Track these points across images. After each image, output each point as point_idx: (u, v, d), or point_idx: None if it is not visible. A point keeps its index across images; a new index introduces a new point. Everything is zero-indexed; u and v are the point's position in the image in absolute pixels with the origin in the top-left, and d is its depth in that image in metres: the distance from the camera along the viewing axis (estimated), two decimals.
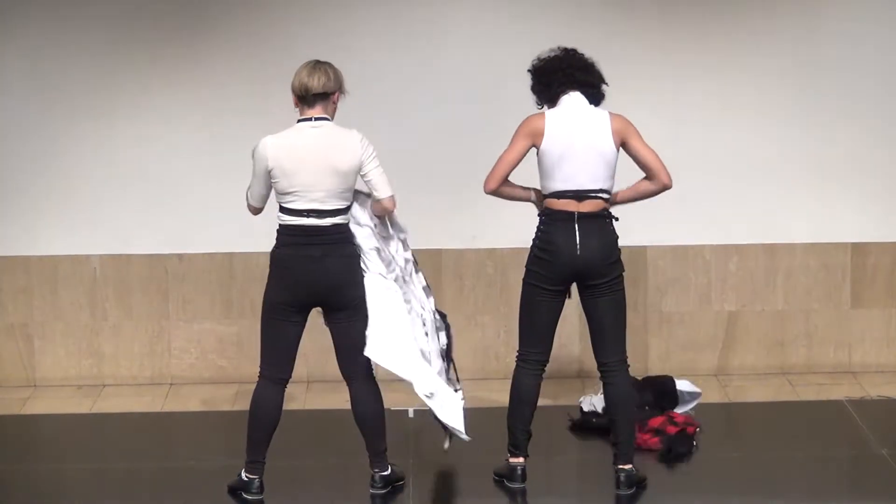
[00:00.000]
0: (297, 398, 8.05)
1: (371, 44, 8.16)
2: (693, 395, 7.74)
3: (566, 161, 6.60)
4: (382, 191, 6.59)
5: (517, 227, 8.29)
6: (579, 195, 6.60)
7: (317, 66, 6.56)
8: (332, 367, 8.36)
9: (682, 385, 7.74)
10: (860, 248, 8.40)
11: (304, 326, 6.63)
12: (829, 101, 8.29)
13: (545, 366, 6.82)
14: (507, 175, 6.70)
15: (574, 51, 6.77)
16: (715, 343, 8.45)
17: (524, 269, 6.74)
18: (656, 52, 8.23)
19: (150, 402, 8.13)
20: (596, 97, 6.74)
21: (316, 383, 8.28)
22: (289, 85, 8.23)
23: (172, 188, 8.25)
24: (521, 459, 6.83)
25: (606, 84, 6.75)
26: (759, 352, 8.48)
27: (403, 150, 8.24)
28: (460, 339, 8.41)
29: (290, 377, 6.69)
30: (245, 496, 6.68)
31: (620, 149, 6.67)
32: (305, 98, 6.53)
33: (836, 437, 7.54)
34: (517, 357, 6.85)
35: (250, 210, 6.67)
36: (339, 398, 8.08)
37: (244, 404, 7.97)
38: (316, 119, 6.53)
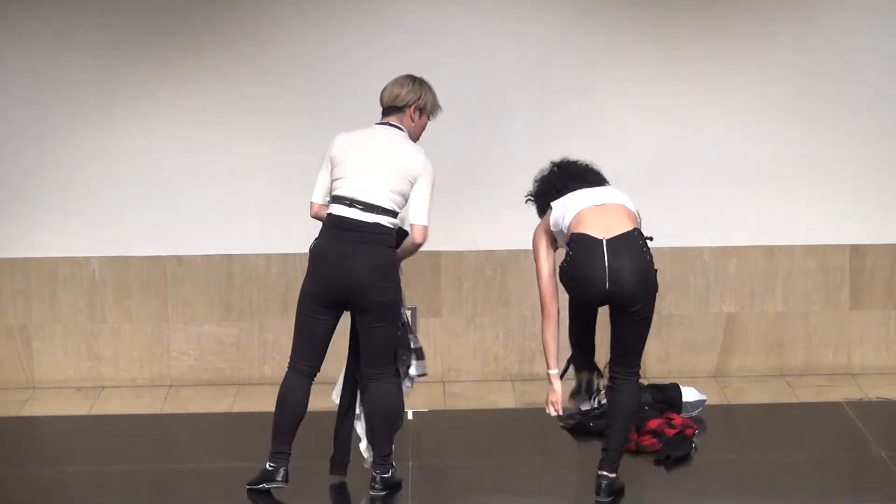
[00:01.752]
0: None
1: (371, 46, 8.17)
2: (698, 403, 7.72)
3: (579, 194, 6.58)
4: (419, 216, 6.56)
5: (516, 230, 8.30)
6: (601, 207, 6.51)
7: (405, 79, 6.69)
8: (333, 369, 8.39)
9: (688, 395, 7.70)
10: (859, 250, 8.40)
11: (333, 325, 6.61)
12: (828, 104, 8.29)
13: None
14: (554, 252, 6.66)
15: (564, 163, 6.79)
16: (714, 345, 8.45)
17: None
18: (655, 54, 8.23)
19: (150, 404, 8.13)
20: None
21: (316, 384, 8.27)
22: (288, 87, 8.29)
23: (171, 190, 8.25)
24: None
25: (607, 182, 6.72)
26: (758, 354, 8.48)
27: None
28: (459, 340, 8.43)
29: (318, 371, 6.69)
30: (267, 486, 6.68)
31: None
32: (383, 107, 6.66)
33: (834, 438, 7.54)
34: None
35: (311, 211, 6.64)
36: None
37: (243, 406, 8.00)
38: (389, 125, 6.61)
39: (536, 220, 8.35)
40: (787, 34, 8.24)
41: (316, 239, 6.57)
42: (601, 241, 6.41)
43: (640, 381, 6.76)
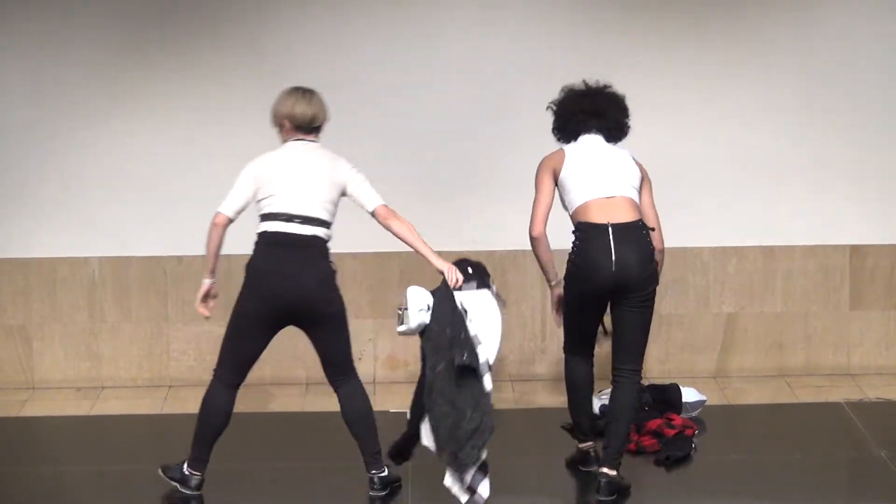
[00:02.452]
0: (296, 401, 8.05)
1: (370, 46, 8.17)
2: (698, 404, 7.73)
3: (590, 173, 6.65)
4: (374, 199, 6.64)
5: (515, 230, 8.31)
6: (609, 200, 6.61)
7: (310, 96, 6.65)
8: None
9: (688, 395, 7.71)
10: (859, 251, 8.41)
11: (269, 342, 6.65)
12: (828, 104, 8.30)
13: (592, 355, 6.90)
14: (548, 214, 6.73)
15: (596, 90, 6.83)
16: (714, 345, 8.45)
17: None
18: (655, 54, 8.24)
19: (149, 404, 8.13)
20: (618, 136, 6.81)
21: (315, 385, 8.28)
22: (288, 87, 8.24)
23: (171, 190, 8.25)
24: (591, 444, 6.92)
25: (629, 124, 6.81)
26: (757, 354, 8.48)
27: (403, 153, 8.25)
28: None
29: (244, 381, 6.72)
30: (183, 490, 6.72)
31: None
32: (303, 128, 6.63)
33: (834, 439, 7.54)
34: (565, 350, 6.92)
35: (217, 220, 6.58)
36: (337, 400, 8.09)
37: (243, 406, 7.97)
38: (306, 141, 6.65)
39: None
40: (788, 34, 8.24)
41: (252, 258, 6.57)
42: (606, 226, 6.52)
43: (641, 381, 6.77)
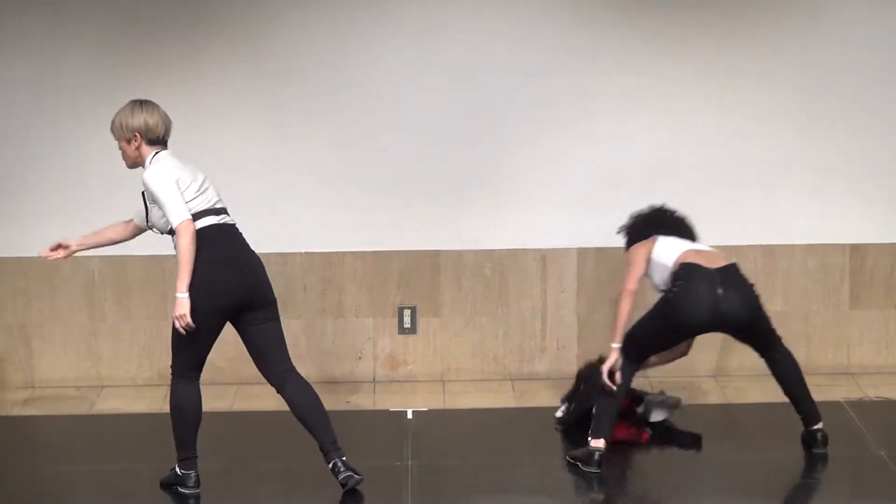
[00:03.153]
0: None
1: (370, 46, 8.16)
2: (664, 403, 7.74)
3: (690, 251, 7.15)
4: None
5: (515, 229, 8.32)
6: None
7: (155, 109, 6.78)
8: (329, 369, 8.40)
9: (655, 416, 7.72)
10: (859, 250, 8.40)
11: (222, 329, 6.73)
12: (828, 103, 8.29)
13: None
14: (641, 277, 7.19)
15: (664, 210, 7.40)
16: (714, 344, 8.43)
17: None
18: (656, 55, 8.23)
19: (149, 404, 8.13)
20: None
21: (314, 384, 8.26)
22: (288, 87, 8.27)
23: None
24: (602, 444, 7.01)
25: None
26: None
27: (402, 152, 8.25)
28: (458, 340, 8.43)
29: (275, 377, 6.77)
30: (183, 490, 6.76)
31: None
32: (160, 138, 6.75)
33: (834, 438, 7.51)
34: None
35: (188, 229, 6.54)
36: (338, 399, 8.10)
37: (243, 405, 8.00)
38: (166, 151, 6.76)
39: (536, 217, 8.39)
40: (788, 34, 8.24)
41: (200, 254, 6.55)
42: (712, 269, 7.02)
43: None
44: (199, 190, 6.63)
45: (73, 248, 6.97)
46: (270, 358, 6.74)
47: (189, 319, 6.50)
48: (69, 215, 8.26)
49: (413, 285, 8.37)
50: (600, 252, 8.30)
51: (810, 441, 7.20)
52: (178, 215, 6.53)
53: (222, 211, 6.69)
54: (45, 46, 8.13)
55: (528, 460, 7.16)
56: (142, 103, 6.76)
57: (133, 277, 8.35)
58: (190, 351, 6.65)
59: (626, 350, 7.09)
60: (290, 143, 8.22)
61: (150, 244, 8.30)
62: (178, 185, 6.60)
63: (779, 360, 7.22)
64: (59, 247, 6.95)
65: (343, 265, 8.33)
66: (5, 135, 8.21)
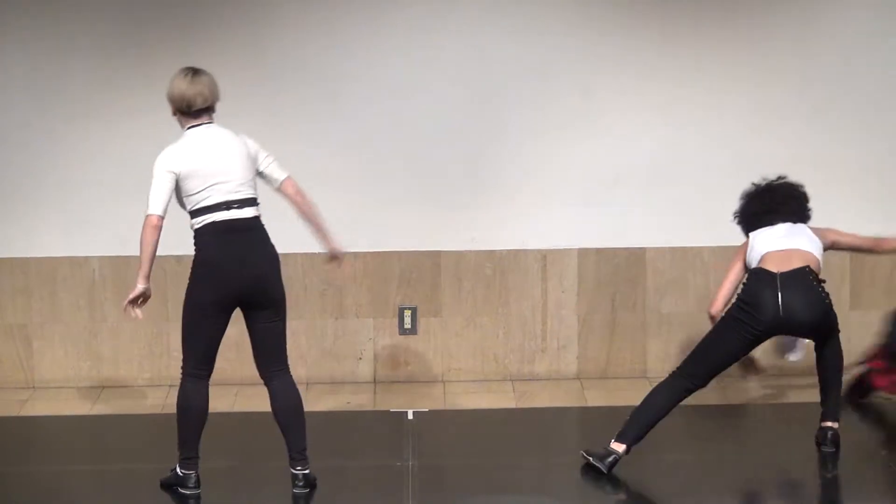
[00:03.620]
0: None
1: (369, 45, 8.17)
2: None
3: (770, 254, 7.09)
4: (281, 171, 6.73)
5: (515, 229, 8.32)
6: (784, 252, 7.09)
7: (195, 79, 6.65)
8: (330, 370, 8.40)
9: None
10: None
11: (228, 324, 6.69)
12: (829, 103, 8.29)
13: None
14: (730, 298, 7.19)
15: (770, 188, 7.29)
16: None
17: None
18: (656, 54, 8.23)
19: (149, 404, 8.13)
20: (801, 221, 7.29)
21: (315, 384, 8.29)
22: (288, 87, 8.26)
23: None
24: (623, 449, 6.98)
25: (809, 209, 7.31)
26: (757, 353, 8.46)
27: (402, 152, 8.25)
28: (459, 340, 8.43)
29: (265, 372, 6.74)
30: (183, 491, 6.74)
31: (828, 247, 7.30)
32: (189, 112, 6.62)
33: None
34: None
35: (150, 223, 6.52)
36: (339, 399, 8.11)
37: (244, 405, 8.00)
38: (206, 125, 6.63)
39: (536, 217, 8.40)
40: (787, 34, 8.24)
41: (199, 250, 6.59)
42: (776, 274, 6.97)
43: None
44: (206, 185, 6.53)
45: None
46: (266, 358, 6.73)
47: (133, 307, 6.65)
48: (69, 215, 8.26)
49: (414, 286, 8.37)
50: (601, 252, 8.30)
51: (821, 438, 7.16)
52: (150, 208, 6.51)
53: (234, 205, 6.56)
54: (45, 46, 8.13)
55: (529, 461, 7.16)
56: (186, 72, 6.67)
57: (133, 277, 8.31)
58: (195, 346, 6.64)
59: (687, 366, 7.12)
60: (290, 143, 8.20)
61: None
62: (172, 178, 6.53)
63: (827, 353, 7.19)
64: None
65: (343, 265, 8.32)
66: (5, 135, 8.21)
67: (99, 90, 8.17)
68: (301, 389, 8.15)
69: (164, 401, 8.17)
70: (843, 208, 8.37)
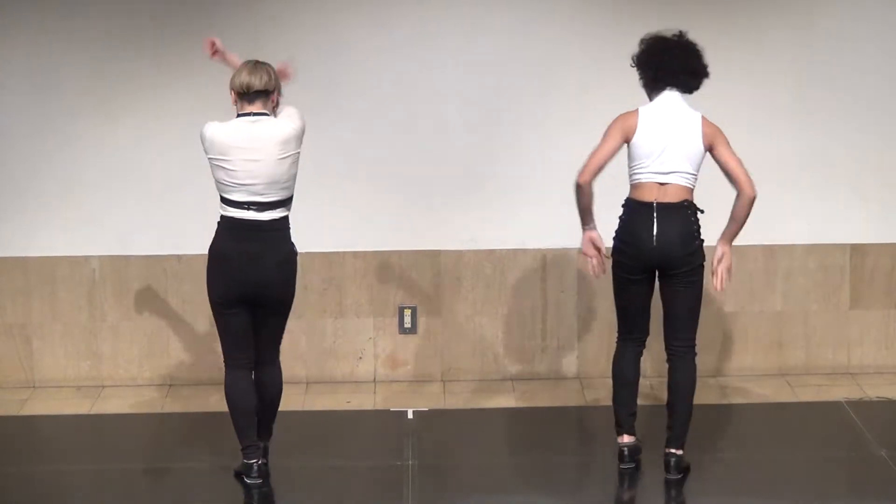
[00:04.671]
0: (296, 399, 8.04)
1: (368, 44, 8.16)
2: None
3: (653, 157, 6.81)
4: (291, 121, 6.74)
5: (515, 229, 8.33)
6: (660, 185, 6.80)
7: (257, 65, 6.70)
8: (331, 369, 8.40)
9: None
10: (859, 250, 8.40)
11: (251, 313, 6.72)
12: (828, 102, 8.29)
13: (643, 345, 7.03)
14: (601, 169, 6.83)
15: (672, 48, 6.95)
16: (713, 344, 8.45)
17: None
18: None
19: (150, 404, 8.12)
20: (695, 85, 6.97)
21: (315, 384, 8.29)
22: (287, 87, 8.23)
23: (171, 189, 8.25)
24: (626, 439, 6.94)
25: (707, 76, 6.97)
26: (757, 353, 8.48)
27: (402, 152, 8.25)
28: (459, 339, 8.43)
29: (253, 361, 6.79)
30: (247, 480, 6.78)
31: (707, 153, 6.91)
32: (246, 94, 6.65)
33: (834, 438, 7.54)
34: (617, 339, 7.04)
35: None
36: (339, 399, 8.11)
37: None
38: (255, 115, 6.64)
39: (536, 217, 8.40)
40: (787, 33, 8.24)
41: (214, 241, 6.69)
42: (651, 203, 6.73)
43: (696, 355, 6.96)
44: (231, 181, 6.60)
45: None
46: (260, 348, 6.81)
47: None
48: (69, 214, 8.26)
49: (414, 285, 8.38)
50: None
51: (665, 464, 6.89)
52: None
53: (253, 206, 6.59)
54: (44, 45, 8.13)
55: (529, 460, 7.16)
56: (247, 63, 6.74)
57: (133, 277, 8.35)
58: (222, 336, 6.75)
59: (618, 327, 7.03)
60: None
61: (150, 244, 8.32)
62: (210, 156, 6.69)
63: (681, 366, 6.91)
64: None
65: (344, 265, 8.33)
66: (5, 134, 8.21)
67: (98, 89, 8.17)
68: (301, 389, 8.20)
69: (163, 400, 8.18)
70: (843, 208, 8.39)
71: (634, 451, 6.97)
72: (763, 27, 8.24)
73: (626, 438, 6.95)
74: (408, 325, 8.37)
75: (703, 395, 8.06)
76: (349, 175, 8.23)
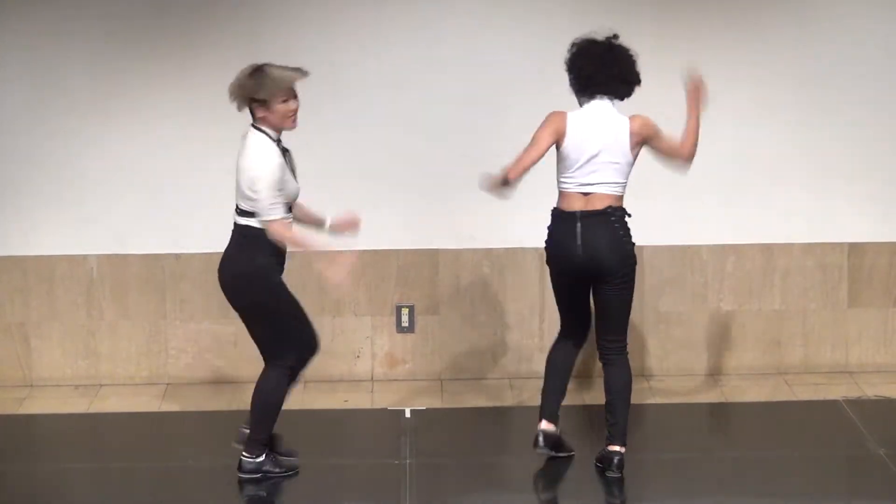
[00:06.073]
0: (294, 398, 8.03)
1: (369, 43, 8.16)
2: None
3: (578, 167, 6.78)
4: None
5: (513, 228, 8.32)
6: (585, 195, 6.78)
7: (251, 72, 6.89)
8: (328, 368, 8.40)
9: None
10: (857, 248, 8.40)
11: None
12: (827, 101, 8.29)
13: (583, 339, 7.05)
14: (531, 168, 6.79)
15: (601, 57, 6.90)
16: (712, 343, 8.45)
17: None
18: (654, 54, 8.20)
19: (148, 402, 8.12)
20: (627, 92, 6.94)
21: (314, 383, 8.28)
22: None
23: (170, 188, 8.25)
24: (544, 425, 6.97)
25: (639, 83, 6.96)
26: (755, 351, 8.48)
27: (400, 150, 8.25)
28: (457, 338, 8.43)
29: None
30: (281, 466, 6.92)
31: (641, 149, 6.87)
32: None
33: (832, 437, 7.54)
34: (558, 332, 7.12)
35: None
36: (336, 398, 8.11)
37: (242, 404, 7.98)
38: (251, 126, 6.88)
39: (534, 215, 8.36)
40: (786, 33, 8.24)
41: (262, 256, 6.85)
42: (575, 213, 6.74)
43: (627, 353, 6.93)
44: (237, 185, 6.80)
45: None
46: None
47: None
48: (68, 213, 8.26)
49: (411, 284, 8.37)
50: None
51: (605, 462, 6.88)
52: None
53: (236, 209, 6.77)
54: (43, 45, 8.12)
55: (526, 459, 7.16)
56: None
57: (132, 276, 8.34)
58: (292, 339, 6.93)
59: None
60: (287, 141, 8.20)
61: (148, 243, 8.32)
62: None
63: (616, 363, 6.89)
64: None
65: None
66: (3, 133, 8.20)
67: (97, 88, 8.17)
68: (298, 387, 8.19)
69: (161, 400, 8.18)
70: (841, 207, 8.39)
71: (550, 438, 6.96)
72: (762, 27, 8.24)
73: (545, 424, 6.97)
74: (405, 323, 8.37)
75: (702, 394, 8.06)
76: (346, 174, 8.23)
